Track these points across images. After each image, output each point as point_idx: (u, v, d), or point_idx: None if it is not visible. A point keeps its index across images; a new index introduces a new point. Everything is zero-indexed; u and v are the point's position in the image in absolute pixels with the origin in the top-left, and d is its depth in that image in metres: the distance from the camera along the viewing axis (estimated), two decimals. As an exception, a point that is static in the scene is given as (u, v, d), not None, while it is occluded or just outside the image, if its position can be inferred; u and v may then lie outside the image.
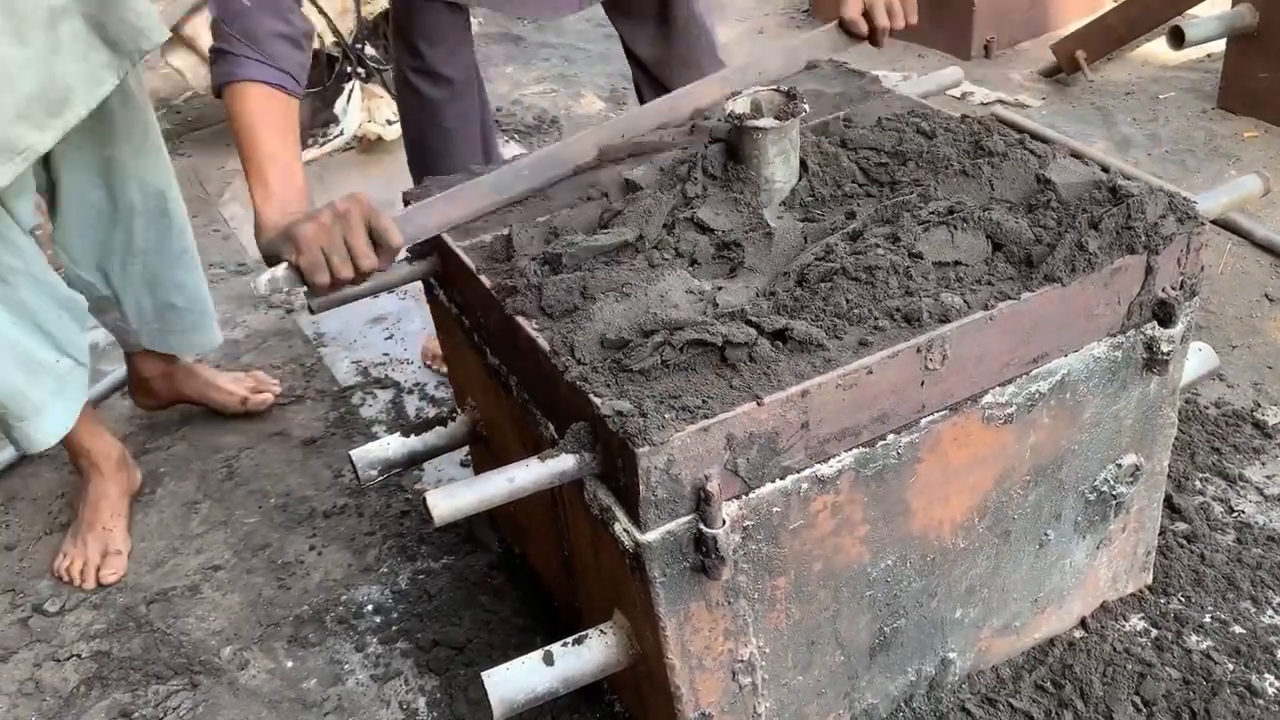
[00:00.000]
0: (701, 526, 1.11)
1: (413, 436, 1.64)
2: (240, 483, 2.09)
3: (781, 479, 1.16)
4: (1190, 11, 3.06)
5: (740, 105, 1.42)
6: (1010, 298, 1.21)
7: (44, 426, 1.82)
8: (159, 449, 2.21)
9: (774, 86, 1.45)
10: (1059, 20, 3.64)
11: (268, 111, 1.43)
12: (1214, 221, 1.75)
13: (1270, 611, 1.60)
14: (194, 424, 2.27)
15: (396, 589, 1.81)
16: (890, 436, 1.21)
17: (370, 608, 1.78)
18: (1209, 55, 3.27)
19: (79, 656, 1.76)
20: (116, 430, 2.27)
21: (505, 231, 1.43)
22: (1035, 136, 1.54)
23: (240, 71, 1.42)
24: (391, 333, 2.50)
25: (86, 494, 1.98)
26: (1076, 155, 1.46)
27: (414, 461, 1.66)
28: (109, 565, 1.90)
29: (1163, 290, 1.31)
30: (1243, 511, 1.78)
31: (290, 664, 1.71)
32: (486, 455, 1.70)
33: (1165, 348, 1.34)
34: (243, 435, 2.22)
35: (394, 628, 1.74)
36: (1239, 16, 2.89)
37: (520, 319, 1.27)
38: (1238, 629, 1.57)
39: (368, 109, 3.39)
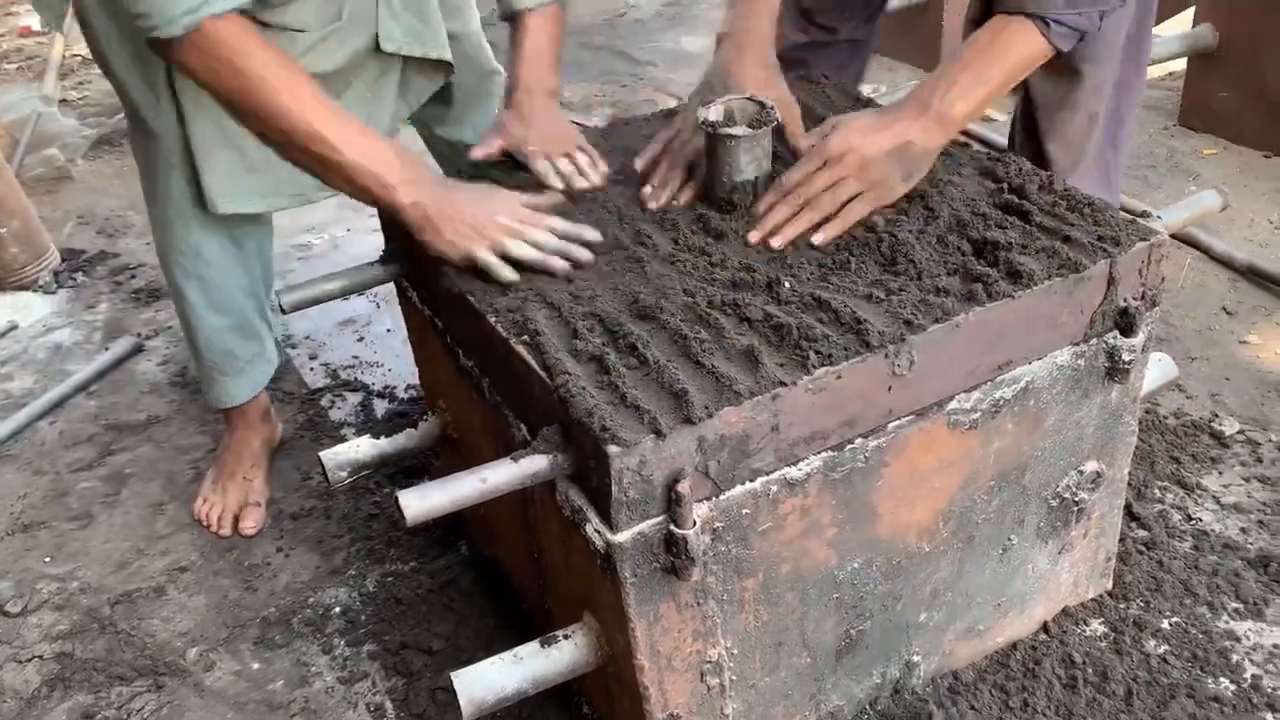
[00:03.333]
0: (672, 527, 1.13)
1: (382, 438, 1.64)
2: (207, 484, 2.08)
3: (751, 481, 1.18)
4: (1153, 30, 3.12)
5: (714, 113, 1.44)
6: (977, 304, 1.23)
7: (241, 385, 1.96)
8: (125, 450, 2.19)
9: (747, 96, 1.47)
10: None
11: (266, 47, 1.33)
12: (1174, 236, 1.79)
13: (1226, 616, 1.63)
14: (161, 425, 2.25)
15: (364, 591, 1.81)
16: (858, 440, 1.23)
17: (338, 610, 1.78)
18: (1170, 74, 3.34)
19: (41, 658, 1.74)
20: (82, 431, 2.25)
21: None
22: (997, 149, 1.56)
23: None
24: (361, 335, 2.49)
25: (230, 443, 2.03)
26: (1038, 169, 1.50)
27: (384, 463, 1.65)
28: (247, 516, 1.96)
29: (1125, 300, 1.34)
30: (1200, 519, 1.82)
31: (256, 666, 1.70)
32: (456, 458, 1.70)
33: (1127, 357, 1.37)
34: (210, 437, 2.20)
35: (361, 630, 1.73)
36: (1200, 36, 2.95)
37: (491, 317, 1.28)
38: (1195, 633, 1.60)
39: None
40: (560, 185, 1.53)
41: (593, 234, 1.40)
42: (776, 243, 1.38)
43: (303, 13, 1.56)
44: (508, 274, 1.34)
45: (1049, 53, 1.45)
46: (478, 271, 1.36)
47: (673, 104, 2.36)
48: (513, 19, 1.66)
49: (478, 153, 1.60)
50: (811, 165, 1.41)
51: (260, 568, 1.88)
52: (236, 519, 1.96)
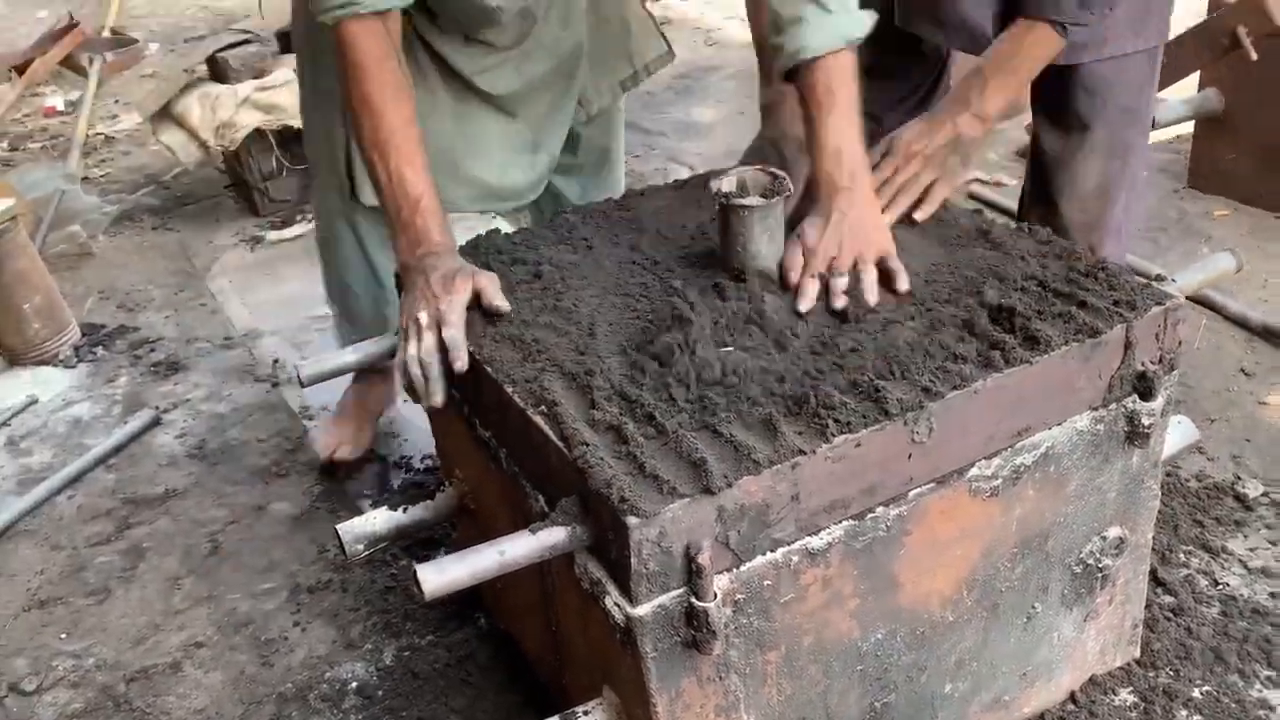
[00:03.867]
0: (693, 600, 1.12)
1: (399, 510, 1.63)
2: (225, 558, 2.08)
3: (772, 551, 1.17)
4: (1159, 95, 3.15)
5: (727, 184, 1.45)
6: (995, 370, 1.23)
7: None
8: (142, 524, 2.19)
9: (760, 167, 1.49)
10: (1032, 102, 3.74)
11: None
12: (1189, 298, 1.79)
13: (1258, 685, 1.60)
14: (179, 498, 2.25)
15: (381, 666, 1.79)
16: (879, 509, 1.22)
17: (354, 685, 1.76)
18: (1178, 136, 3.36)
19: (55, 737, 1.72)
20: (100, 505, 2.25)
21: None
22: (1011, 215, 1.58)
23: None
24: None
25: (350, 395, 2.33)
26: (1050, 233, 1.51)
27: (400, 535, 1.65)
28: (345, 448, 2.26)
29: (1142, 364, 1.34)
30: (1227, 584, 1.79)
31: (272, 743, 1.68)
32: (473, 529, 1.69)
33: (1146, 421, 1.36)
34: (228, 510, 2.20)
35: (378, 705, 1.71)
36: (1206, 100, 2.98)
37: (509, 387, 1.29)
38: (1227, 702, 1.57)
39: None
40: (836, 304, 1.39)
41: (459, 364, 1.38)
42: (889, 218, 1.54)
43: (498, 35, 1.79)
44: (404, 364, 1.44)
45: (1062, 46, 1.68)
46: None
47: (685, 173, 2.39)
48: (795, 72, 1.48)
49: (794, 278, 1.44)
50: (888, 168, 1.62)
51: (277, 642, 1.86)
52: (337, 449, 2.25)
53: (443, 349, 1.40)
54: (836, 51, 1.46)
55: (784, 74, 1.51)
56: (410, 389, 1.45)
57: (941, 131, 1.65)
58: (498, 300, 1.45)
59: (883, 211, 1.54)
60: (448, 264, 1.47)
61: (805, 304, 1.39)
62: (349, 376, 2.20)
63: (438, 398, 1.42)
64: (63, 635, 1.93)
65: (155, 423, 2.50)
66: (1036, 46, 1.67)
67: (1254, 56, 2.72)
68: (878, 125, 1.93)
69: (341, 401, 2.35)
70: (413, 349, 1.42)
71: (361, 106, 1.50)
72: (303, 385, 1.55)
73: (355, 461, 2.27)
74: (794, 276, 1.42)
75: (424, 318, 1.42)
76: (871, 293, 1.39)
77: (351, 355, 1.58)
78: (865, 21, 1.49)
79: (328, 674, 1.79)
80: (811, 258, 1.42)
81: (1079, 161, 1.88)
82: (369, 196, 1.83)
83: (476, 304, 1.45)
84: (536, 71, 1.89)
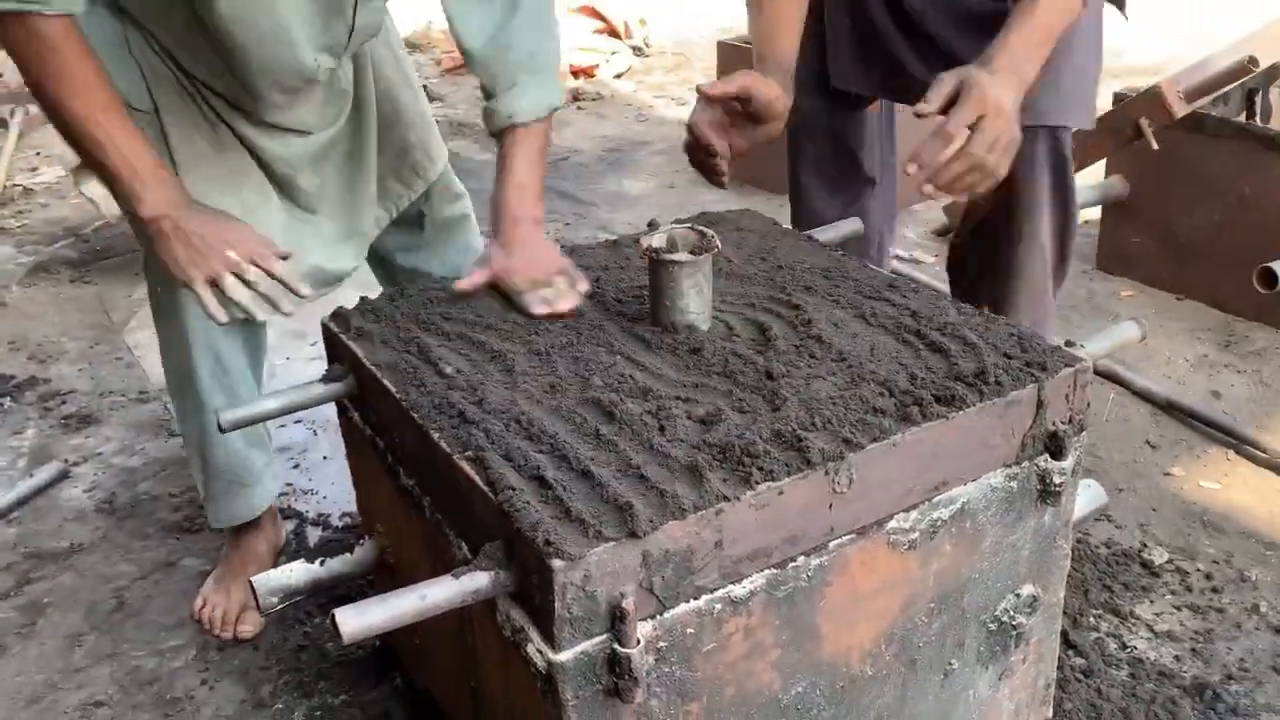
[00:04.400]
0: (616, 646, 1.11)
1: (317, 563, 1.60)
2: (130, 614, 2.00)
3: (695, 599, 1.17)
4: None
5: (657, 240, 1.49)
6: (913, 424, 1.26)
7: (258, 495, 1.99)
8: (44, 579, 2.11)
9: (689, 225, 1.53)
10: (950, 185, 3.88)
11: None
12: (1098, 372, 1.87)
13: (1165, 745, 1.64)
14: (84, 553, 2.18)
15: (292, 726, 1.74)
16: (800, 558, 1.23)
17: (263, 746, 1.71)
18: (1086, 221, 3.50)
19: (-62, 801, 1.63)
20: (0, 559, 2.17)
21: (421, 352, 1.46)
22: (930, 289, 1.63)
23: None
24: (297, 462, 2.46)
25: (238, 545, 2.04)
26: (963, 305, 1.56)
27: (317, 589, 1.61)
28: (246, 620, 1.95)
29: (1053, 424, 1.39)
30: (1135, 647, 1.83)
31: (173, 807, 1.61)
32: (392, 585, 1.66)
33: (1057, 479, 1.40)
34: (136, 565, 2.13)
35: (287, 767, 1.66)
36: (1111, 186, 3.14)
37: (435, 433, 1.28)
38: (1136, 762, 1.60)
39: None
40: (544, 311, 1.55)
41: (306, 289, 1.48)
42: (939, 194, 1.55)
43: (309, 115, 1.76)
44: (218, 314, 1.45)
45: (1081, 10, 1.65)
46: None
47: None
48: (500, 135, 1.69)
49: (463, 285, 1.62)
50: (972, 114, 1.51)
51: (183, 701, 1.80)
52: (237, 622, 1.95)
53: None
54: (542, 118, 1.68)
55: (494, 132, 1.70)
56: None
57: (1008, 90, 1.54)
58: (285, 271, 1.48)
59: (950, 181, 1.53)
60: (217, 210, 1.51)
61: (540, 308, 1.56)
62: (223, 538, 2.08)
63: (300, 293, 1.49)
64: (-48, 694, 1.84)
65: (63, 476, 2.42)
66: (1057, 8, 1.61)
67: (1155, 146, 2.87)
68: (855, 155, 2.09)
69: (224, 559, 2.06)
70: (241, 293, 1.47)
71: (67, 85, 1.46)
72: (223, 431, 1.52)
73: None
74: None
75: (234, 254, 1.44)
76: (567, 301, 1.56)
77: (273, 402, 1.56)
78: (562, 92, 1.71)
79: (235, 734, 1.73)
80: (512, 275, 1.59)
81: (1021, 240, 1.94)
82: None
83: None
84: (332, 158, 1.90)
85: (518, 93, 1.66)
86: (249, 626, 1.94)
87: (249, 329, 1.91)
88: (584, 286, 1.61)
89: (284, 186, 1.86)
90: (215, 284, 1.51)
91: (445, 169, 2.11)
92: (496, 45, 1.67)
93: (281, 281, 1.48)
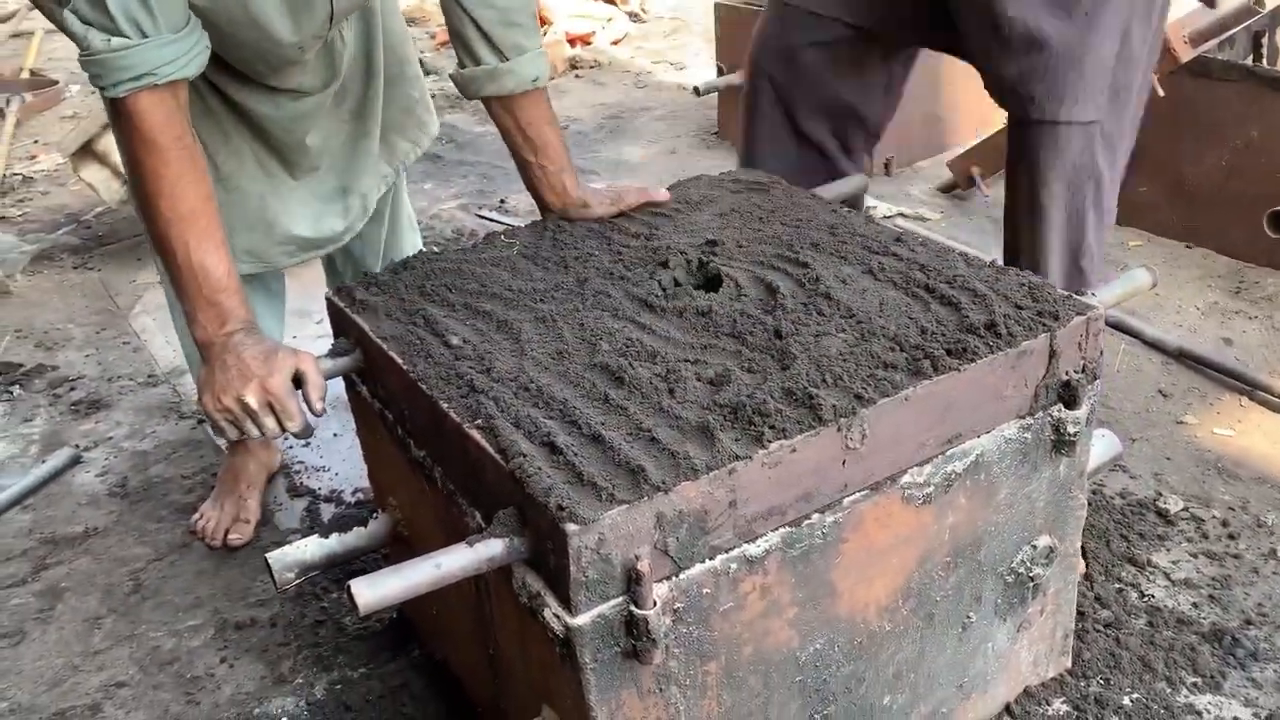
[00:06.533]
0: (633, 608, 1.11)
1: (331, 537, 1.60)
2: (147, 596, 2.01)
3: (711, 559, 1.17)
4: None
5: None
6: (924, 378, 1.25)
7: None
8: (60, 563, 2.11)
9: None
10: (954, 139, 3.85)
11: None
12: (1108, 323, 1.84)
13: (1185, 691, 1.63)
14: (99, 537, 2.18)
15: (313, 700, 1.74)
16: (815, 516, 1.23)
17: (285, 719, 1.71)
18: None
19: (-34, 785, 1.64)
20: (15, 546, 2.17)
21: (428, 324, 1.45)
22: (936, 243, 1.61)
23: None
24: (307, 440, 2.46)
25: (231, 465, 2.19)
26: (972, 256, 1.54)
27: (332, 564, 1.61)
28: (237, 530, 2.11)
29: (1066, 373, 1.37)
30: (1153, 596, 1.83)
31: (198, 783, 1.62)
32: (407, 557, 1.66)
33: (1071, 429, 1.39)
34: (151, 547, 2.14)
35: (310, 741, 1.67)
36: (1117, 135, 3.09)
37: (444, 403, 1.28)
38: (1156, 708, 1.59)
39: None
40: (664, 197, 1.79)
41: (296, 428, 1.45)
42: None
43: (304, 79, 1.77)
44: (219, 440, 1.50)
45: None
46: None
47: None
48: (508, 99, 1.71)
49: (632, 199, 1.78)
50: None
51: (203, 679, 1.81)
52: (227, 533, 2.10)
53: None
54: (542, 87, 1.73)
55: (495, 96, 1.71)
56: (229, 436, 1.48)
57: None
58: (316, 388, 1.45)
59: None
60: (261, 340, 1.46)
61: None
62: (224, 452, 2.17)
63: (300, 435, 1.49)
64: (-26, 680, 1.85)
65: (75, 461, 2.43)
66: None
67: (1161, 93, 2.83)
68: (862, 120, 2.03)
69: (221, 475, 2.21)
70: (251, 429, 1.44)
71: (156, 184, 1.43)
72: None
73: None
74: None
75: (252, 399, 1.41)
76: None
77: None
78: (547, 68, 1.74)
79: (256, 710, 1.73)
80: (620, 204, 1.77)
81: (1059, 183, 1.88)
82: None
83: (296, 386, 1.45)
84: (337, 114, 1.92)
85: (532, 57, 1.68)
86: (237, 535, 2.10)
87: (268, 293, 2.03)
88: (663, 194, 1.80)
89: (281, 148, 1.86)
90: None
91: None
92: (488, 5, 1.65)
93: (283, 426, 1.46)
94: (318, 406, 1.45)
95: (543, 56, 1.71)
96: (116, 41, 1.35)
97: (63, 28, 1.41)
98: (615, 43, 5.75)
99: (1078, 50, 1.72)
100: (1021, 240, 1.93)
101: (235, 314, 1.46)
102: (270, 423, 1.43)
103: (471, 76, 1.70)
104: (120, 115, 1.42)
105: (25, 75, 5.42)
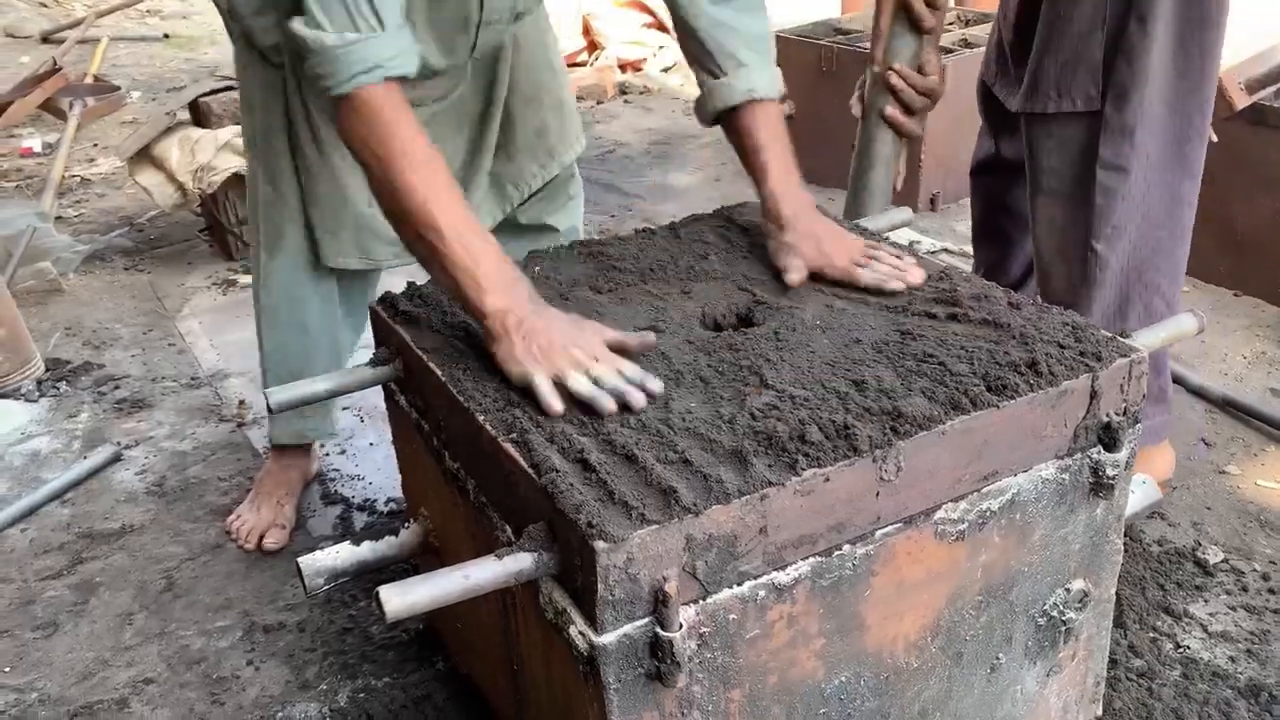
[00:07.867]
0: (658, 630, 1.11)
1: (363, 545, 1.61)
2: (179, 595, 2.04)
3: (739, 585, 1.16)
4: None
5: None
6: (962, 413, 1.24)
7: (309, 425, 2.21)
8: (96, 559, 2.15)
9: None
10: (1001, 179, 3.83)
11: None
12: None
13: (1219, 746, 1.60)
14: (135, 534, 2.21)
15: (336, 707, 1.75)
16: (846, 547, 1.22)
17: (307, 726, 1.72)
18: (1141, 216, 3.44)
19: (-8, 772, 1.67)
20: (53, 539, 2.21)
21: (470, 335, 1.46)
22: (981, 280, 1.61)
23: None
24: (343, 448, 2.48)
25: (271, 470, 2.25)
26: (1015, 295, 1.54)
27: (363, 571, 1.61)
28: (273, 535, 2.15)
29: (1107, 415, 1.36)
30: (1188, 647, 1.79)
31: (219, 784, 1.63)
32: (436, 568, 1.67)
33: (1110, 472, 1.37)
34: (185, 547, 2.16)
35: (331, 747, 1.67)
36: (1168, 180, 3.06)
37: (480, 415, 1.29)
38: (1188, 763, 1.56)
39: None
40: (898, 287, 1.54)
41: (656, 384, 1.32)
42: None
43: (424, 92, 1.80)
44: (554, 403, 1.28)
45: None
46: (525, 391, 1.33)
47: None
48: (728, 114, 1.69)
49: (794, 279, 1.58)
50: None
51: (229, 681, 1.82)
52: (262, 537, 2.14)
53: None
54: (776, 97, 1.67)
55: (719, 114, 1.69)
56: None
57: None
58: (634, 339, 1.39)
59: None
60: (556, 311, 1.40)
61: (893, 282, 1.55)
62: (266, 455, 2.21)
63: (651, 391, 1.31)
64: (6, 669, 1.88)
65: (116, 458, 2.47)
66: None
67: (1214, 139, 2.80)
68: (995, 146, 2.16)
69: (259, 479, 2.25)
70: (584, 382, 1.31)
71: (405, 161, 1.38)
72: (271, 412, 1.54)
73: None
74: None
75: (580, 353, 1.33)
76: (906, 276, 1.55)
77: (323, 384, 1.57)
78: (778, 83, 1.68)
79: (280, 714, 1.74)
80: (834, 261, 1.59)
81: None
82: (334, 258, 1.97)
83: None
84: (455, 137, 1.97)
85: (753, 70, 1.66)
86: (273, 540, 2.13)
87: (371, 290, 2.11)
88: (914, 268, 1.57)
89: None
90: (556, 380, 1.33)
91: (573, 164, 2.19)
92: (719, 24, 1.66)
93: (630, 380, 1.32)
94: (653, 386, 1.31)
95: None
96: (351, 36, 1.38)
97: (286, 39, 1.49)
98: (665, 70, 5.79)
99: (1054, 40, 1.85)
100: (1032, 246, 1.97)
101: (522, 284, 1.40)
102: (631, 367, 1.33)
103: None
104: (354, 111, 1.39)
105: (89, 80, 5.55)
